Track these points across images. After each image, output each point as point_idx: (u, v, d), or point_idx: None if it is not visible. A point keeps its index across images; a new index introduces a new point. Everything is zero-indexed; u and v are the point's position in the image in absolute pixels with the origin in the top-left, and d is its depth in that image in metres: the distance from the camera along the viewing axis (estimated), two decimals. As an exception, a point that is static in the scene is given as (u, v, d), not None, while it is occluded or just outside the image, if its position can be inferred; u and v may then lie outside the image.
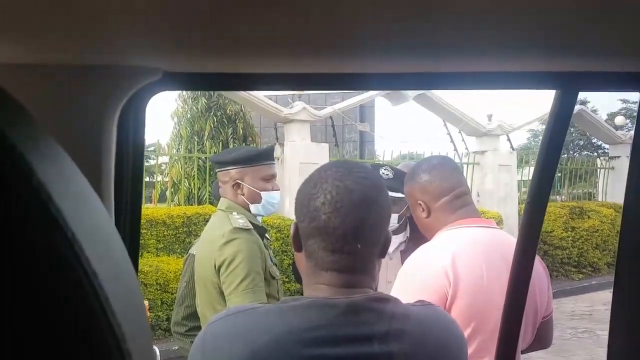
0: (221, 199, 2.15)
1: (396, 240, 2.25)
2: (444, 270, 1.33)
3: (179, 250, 6.15)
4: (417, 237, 2.12)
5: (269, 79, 0.77)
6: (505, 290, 1.23)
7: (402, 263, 2.19)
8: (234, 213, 2.04)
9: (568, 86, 0.79)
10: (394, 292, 1.38)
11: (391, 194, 2.18)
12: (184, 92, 9.24)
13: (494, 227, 1.49)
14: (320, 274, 0.87)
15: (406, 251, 2.17)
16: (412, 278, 1.40)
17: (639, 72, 0.78)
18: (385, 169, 2.21)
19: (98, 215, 0.25)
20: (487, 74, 0.77)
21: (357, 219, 0.85)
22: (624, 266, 0.89)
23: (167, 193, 7.73)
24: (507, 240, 1.45)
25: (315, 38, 0.63)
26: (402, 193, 2.17)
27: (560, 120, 0.80)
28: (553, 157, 0.83)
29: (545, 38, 0.67)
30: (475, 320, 1.33)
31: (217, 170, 2.18)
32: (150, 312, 5.66)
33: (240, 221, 2.01)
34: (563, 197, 10.72)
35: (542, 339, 1.52)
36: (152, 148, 7.32)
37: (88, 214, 0.23)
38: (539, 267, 1.50)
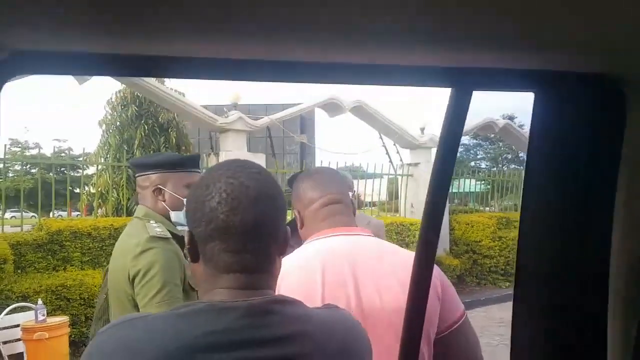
0: (139, 206, 2.05)
1: None
2: (311, 281, 1.25)
3: (105, 263, 5.91)
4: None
5: (143, 61, 0.69)
6: (376, 293, 1.19)
7: None
8: (151, 221, 1.95)
9: (462, 83, 0.78)
10: None
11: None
12: (112, 99, 8.80)
13: (361, 234, 1.39)
14: (221, 277, 0.84)
15: None
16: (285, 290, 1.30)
17: (533, 70, 0.78)
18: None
19: None
20: (377, 66, 0.74)
21: (256, 215, 0.82)
22: (522, 268, 0.91)
23: (94, 204, 7.38)
24: (377, 245, 1.37)
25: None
26: None
27: (456, 120, 0.79)
28: (449, 159, 0.82)
29: (437, 30, 0.65)
30: None
31: (137, 175, 2.07)
32: (73, 328, 5.38)
33: (158, 230, 1.91)
34: (492, 208, 11.15)
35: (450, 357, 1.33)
36: (80, 157, 6.99)
37: None
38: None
